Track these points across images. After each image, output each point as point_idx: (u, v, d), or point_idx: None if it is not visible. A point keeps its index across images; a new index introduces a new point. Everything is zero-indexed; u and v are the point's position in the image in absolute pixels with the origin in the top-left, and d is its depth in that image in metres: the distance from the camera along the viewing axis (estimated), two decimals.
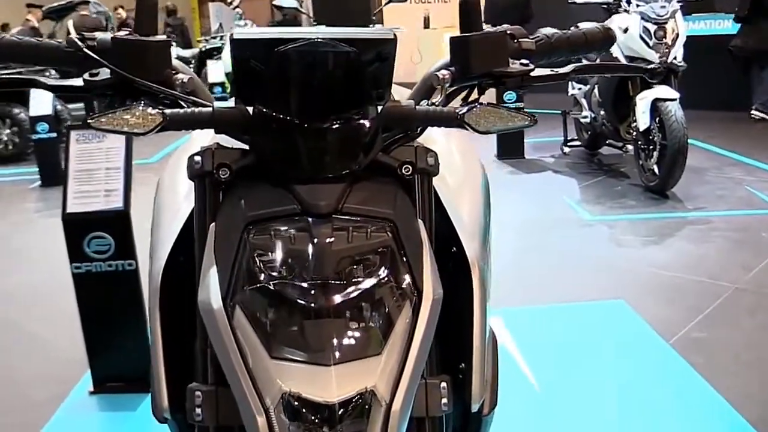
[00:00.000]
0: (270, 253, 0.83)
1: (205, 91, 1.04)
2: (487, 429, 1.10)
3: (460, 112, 0.93)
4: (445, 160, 0.97)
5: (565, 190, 5.35)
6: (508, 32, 1.06)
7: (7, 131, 7.17)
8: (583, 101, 5.90)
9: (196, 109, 0.94)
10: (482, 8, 1.07)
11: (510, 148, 6.31)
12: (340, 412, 0.77)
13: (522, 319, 3.13)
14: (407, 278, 0.85)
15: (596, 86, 5.55)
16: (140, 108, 0.90)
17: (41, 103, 5.87)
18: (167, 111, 0.91)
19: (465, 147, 1.33)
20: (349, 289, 0.82)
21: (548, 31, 1.13)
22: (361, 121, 0.90)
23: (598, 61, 1.27)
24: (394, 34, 0.91)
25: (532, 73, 1.02)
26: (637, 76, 1.57)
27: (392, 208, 0.89)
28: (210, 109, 0.93)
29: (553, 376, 2.65)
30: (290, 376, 0.78)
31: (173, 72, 0.99)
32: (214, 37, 10.72)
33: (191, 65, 11.52)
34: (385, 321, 0.82)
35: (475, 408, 0.99)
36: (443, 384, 0.92)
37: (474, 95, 1.04)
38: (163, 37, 1.01)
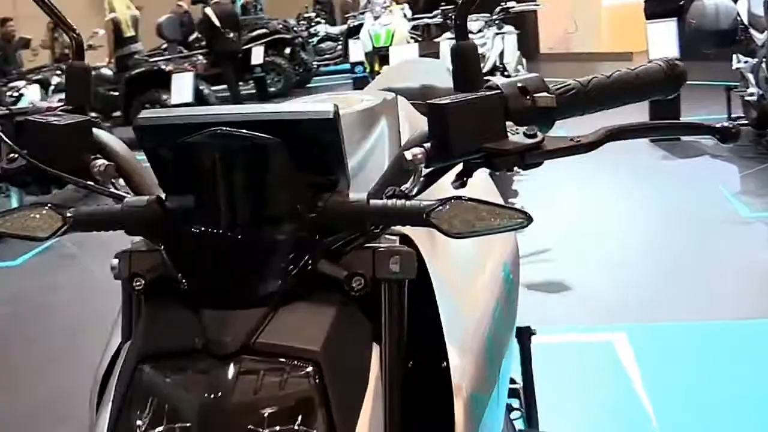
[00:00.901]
0: (155, 403, 0.65)
1: (134, 176, 0.85)
2: None
3: (428, 209, 0.69)
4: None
5: (723, 178, 4.76)
6: (519, 85, 0.79)
7: None
8: (750, 76, 5.23)
9: (105, 207, 0.76)
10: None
11: None
12: None
13: (653, 337, 2.77)
14: None
15: (765, 59, 4.88)
16: (45, 207, 0.75)
17: (182, 89, 6.05)
18: (71, 211, 0.75)
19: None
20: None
21: (592, 76, 0.84)
22: (290, 227, 0.69)
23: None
24: (335, 111, 0.68)
25: (542, 146, 0.75)
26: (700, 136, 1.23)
27: (319, 342, 0.66)
28: (119, 206, 0.75)
29: (681, 415, 2.30)
30: None
31: (93, 158, 0.82)
32: (362, 13, 10.67)
33: (339, 42, 11.59)
34: None
35: None
36: None
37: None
38: (84, 117, 0.85)
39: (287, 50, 10.66)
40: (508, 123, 0.77)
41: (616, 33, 10.36)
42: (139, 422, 0.65)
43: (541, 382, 1.85)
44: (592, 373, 2.61)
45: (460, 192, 0.74)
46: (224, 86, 7.46)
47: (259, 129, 0.67)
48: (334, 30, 12.25)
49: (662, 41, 5.70)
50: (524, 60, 4.97)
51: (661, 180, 4.69)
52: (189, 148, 0.67)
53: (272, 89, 10.22)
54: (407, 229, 0.80)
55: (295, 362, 0.65)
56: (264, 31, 10.21)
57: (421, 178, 0.75)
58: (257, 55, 9.83)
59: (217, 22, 8.24)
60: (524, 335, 2.13)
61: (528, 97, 0.78)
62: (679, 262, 3.50)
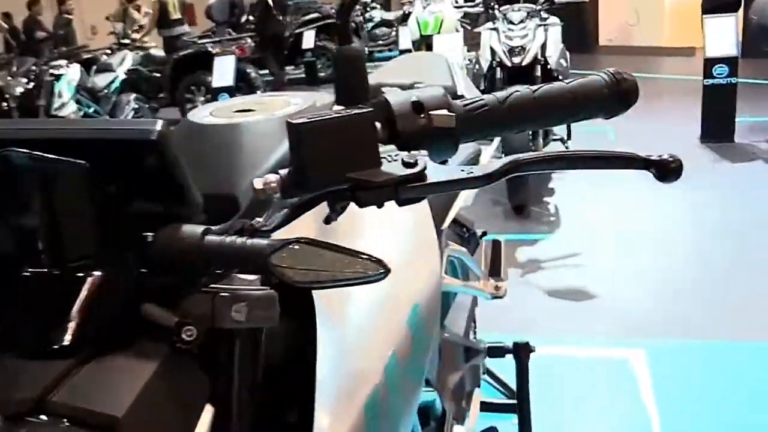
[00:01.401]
0: None
1: None
2: None
3: (269, 250, 0.58)
4: None
5: None
6: (413, 100, 0.67)
7: (201, 98, 7.53)
8: None
9: None
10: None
11: (717, 128, 5.43)
12: None
13: (673, 356, 2.60)
14: None
15: None
16: None
17: (224, 72, 6.02)
18: None
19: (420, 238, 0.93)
20: None
21: (513, 89, 0.71)
22: (106, 265, 0.59)
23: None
24: (162, 132, 0.58)
25: (423, 178, 0.63)
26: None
27: (123, 406, 0.56)
28: None
29: None
30: None
31: None
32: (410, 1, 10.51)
33: (394, 28, 11.42)
34: None
35: None
36: None
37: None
38: None
39: None
40: (387, 148, 0.65)
41: (680, 27, 9.92)
42: None
43: (543, 398, 1.73)
44: (600, 392, 2.46)
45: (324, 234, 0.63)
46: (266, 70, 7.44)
47: (67, 149, 0.57)
48: (389, 15, 12.09)
49: (720, 37, 5.38)
50: (568, 53, 4.74)
51: (709, 187, 4.43)
52: None
53: (322, 74, 10.14)
54: None
55: (90, 429, 0.56)
56: (316, 15, 10.12)
57: (280, 212, 0.64)
58: (308, 39, 9.76)
59: (270, 3, 8.20)
60: (522, 351, 2.00)
61: (423, 115, 0.66)
62: (725, 275, 3.29)
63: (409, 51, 7.96)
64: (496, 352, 1.98)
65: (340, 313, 0.74)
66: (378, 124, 0.65)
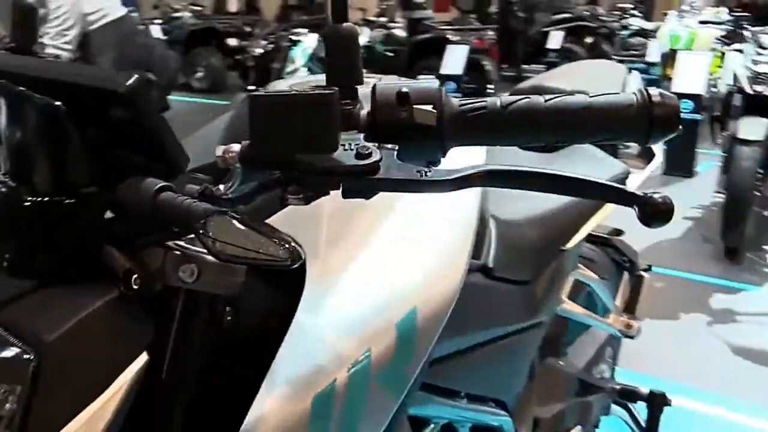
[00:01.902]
0: None
1: None
2: None
3: (202, 216, 0.56)
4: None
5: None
6: (402, 90, 0.60)
7: None
8: None
9: None
10: None
11: (679, 161, 5.12)
12: None
13: None
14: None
15: None
16: None
17: (454, 61, 6.05)
18: None
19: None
20: None
21: (524, 96, 0.61)
22: (72, 203, 0.60)
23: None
24: (133, 86, 0.58)
25: (374, 172, 0.56)
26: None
27: (54, 332, 0.57)
28: None
29: None
30: None
31: None
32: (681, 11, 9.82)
33: (650, 39, 10.77)
34: None
35: None
36: None
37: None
38: None
39: (588, 39, 10.17)
40: (353, 135, 0.59)
41: None
42: None
43: None
44: None
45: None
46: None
47: (52, 89, 0.59)
48: (649, 25, 11.41)
49: (690, 74, 5.17)
50: None
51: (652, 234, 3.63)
52: None
53: None
54: (300, 237, 0.68)
55: (17, 344, 0.58)
56: (567, 15, 9.83)
57: (243, 184, 0.61)
58: (555, 39, 9.51)
59: None
60: (657, 401, 1.81)
61: (405, 107, 0.59)
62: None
63: (655, 64, 7.48)
64: (628, 396, 1.81)
65: (328, 297, 0.70)
66: (360, 111, 0.60)
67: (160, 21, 8.87)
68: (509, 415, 1.22)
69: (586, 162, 1.49)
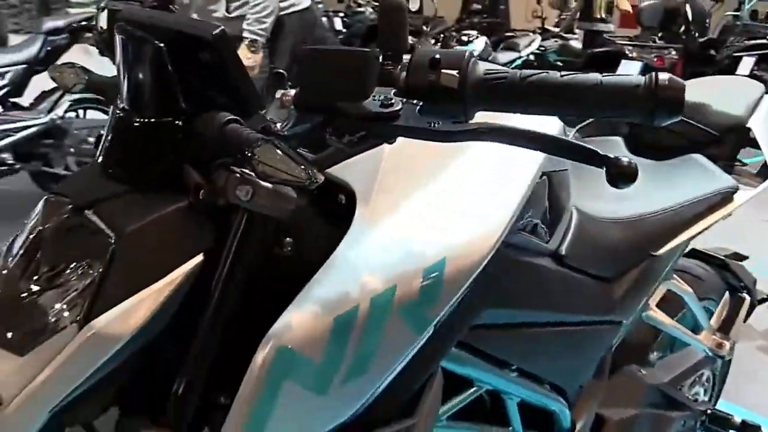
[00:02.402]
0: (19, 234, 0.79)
1: None
2: None
3: (252, 142, 0.68)
4: None
5: None
6: (434, 56, 0.68)
7: None
8: None
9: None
10: None
11: None
12: None
13: None
14: (84, 300, 0.70)
15: None
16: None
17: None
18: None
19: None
20: (31, 282, 0.73)
21: (543, 71, 0.68)
22: (159, 125, 0.74)
23: None
24: (219, 34, 0.70)
25: (395, 119, 0.65)
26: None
27: (121, 225, 0.71)
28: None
29: None
30: None
31: None
32: None
33: None
34: (42, 328, 0.71)
35: None
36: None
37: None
38: None
39: None
40: (385, 90, 0.68)
41: None
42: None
43: None
44: None
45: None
46: None
47: (161, 34, 0.73)
48: None
49: None
50: None
51: None
52: (113, 31, 0.77)
53: None
54: (356, 184, 0.80)
55: (104, 230, 0.72)
56: (763, 41, 9.19)
57: (296, 125, 0.72)
58: (745, 65, 8.93)
59: (690, 17, 7.73)
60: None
61: (434, 70, 0.68)
62: None
63: None
64: (719, 422, 1.75)
65: (368, 236, 0.80)
66: (400, 72, 0.70)
67: (342, 14, 9.28)
68: (567, 405, 1.25)
69: (696, 173, 1.48)
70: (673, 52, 7.61)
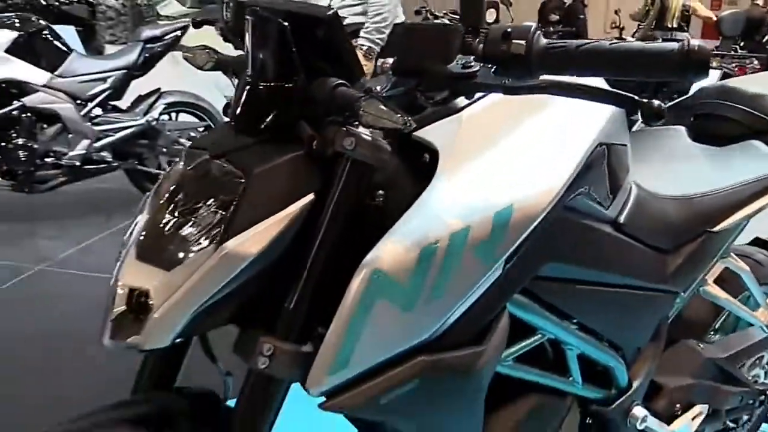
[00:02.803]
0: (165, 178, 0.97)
1: None
2: None
3: (360, 98, 0.84)
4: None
5: None
6: (506, 30, 0.82)
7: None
8: None
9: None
10: None
11: None
12: (127, 300, 0.89)
13: None
14: (219, 227, 0.87)
15: None
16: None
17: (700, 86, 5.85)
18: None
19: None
20: (176, 214, 0.91)
21: (581, 41, 0.83)
22: (280, 90, 0.91)
23: None
24: (333, 15, 0.87)
25: (473, 79, 0.80)
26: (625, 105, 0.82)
27: (249, 167, 0.89)
28: None
29: None
30: (127, 263, 0.93)
31: None
32: None
33: None
34: (185, 249, 0.88)
35: (314, 392, 0.91)
36: (264, 340, 0.91)
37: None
38: None
39: None
40: (469, 58, 0.84)
41: None
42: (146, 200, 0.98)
43: None
44: None
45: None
46: None
47: (284, 15, 0.91)
48: None
49: None
50: None
51: None
52: (241, 14, 0.95)
53: None
54: (439, 144, 0.96)
55: (234, 174, 0.90)
56: None
57: (394, 88, 0.89)
58: None
59: None
60: None
61: (506, 41, 0.83)
62: None
63: None
64: None
65: (449, 183, 0.95)
66: (469, 39, 0.85)
67: None
68: (624, 365, 1.37)
69: (753, 157, 1.59)
70: (755, 62, 7.47)
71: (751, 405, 1.80)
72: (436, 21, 9.44)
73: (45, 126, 4.10)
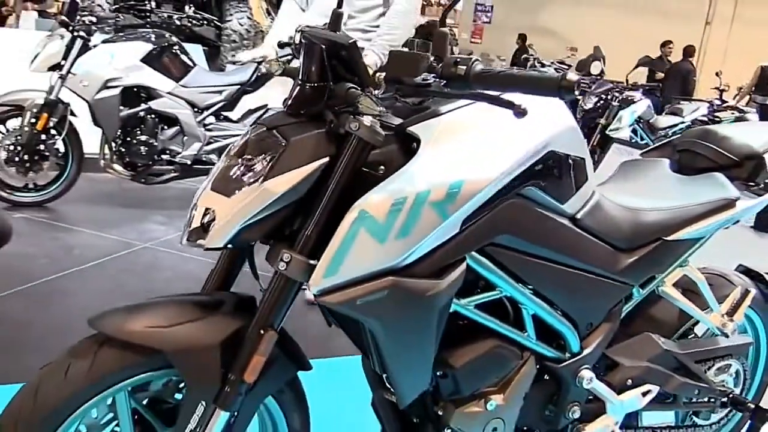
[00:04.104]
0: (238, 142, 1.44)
1: None
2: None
3: (357, 97, 1.29)
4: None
5: None
6: (457, 59, 1.25)
7: None
8: None
9: None
10: None
11: None
12: (201, 217, 1.36)
13: None
14: (263, 173, 1.32)
15: None
16: None
17: None
18: None
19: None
20: (239, 162, 1.37)
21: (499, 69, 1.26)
22: (319, 93, 1.37)
23: None
24: (353, 43, 1.32)
25: (430, 88, 1.24)
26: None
27: (293, 136, 1.34)
28: None
29: None
30: (204, 192, 1.40)
31: None
32: None
33: None
34: (241, 183, 1.34)
35: (314, 290, 1.33)
36: (285, 252, 1.34)
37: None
38: None
39: None
40: (429, 75, 1.27)
41: None
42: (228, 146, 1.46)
43: None
44: None
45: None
46: None
47: (320, 40, 1.36)
48: None
49: None
50: None
51: None
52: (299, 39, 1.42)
53: None
54: (423, 137, 1.39)
55: (279, 139, 1.36)
56: None
57: (386, 92, 1.34)
58: None
59: None
60: (759, 416, 2.09)
61: (455, 66, 1.26)
62: None
63: None
64: (734, 403, 2.09)
65: (422, 159, 1.37)
66: (440, 66, 1.28)
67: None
68: (577, 333, 1.72)
69: (711, 185, 1.93)
70: None
71: (712, 403, 2.09)
72: (542, 68, 9.89)
73: (165, 127, 4.69)
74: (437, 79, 1.30)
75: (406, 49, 1.40)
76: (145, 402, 1.48)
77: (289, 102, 1.42)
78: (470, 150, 1.42)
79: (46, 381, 1.31)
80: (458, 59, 1.27)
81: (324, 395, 1.94)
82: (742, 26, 15.16)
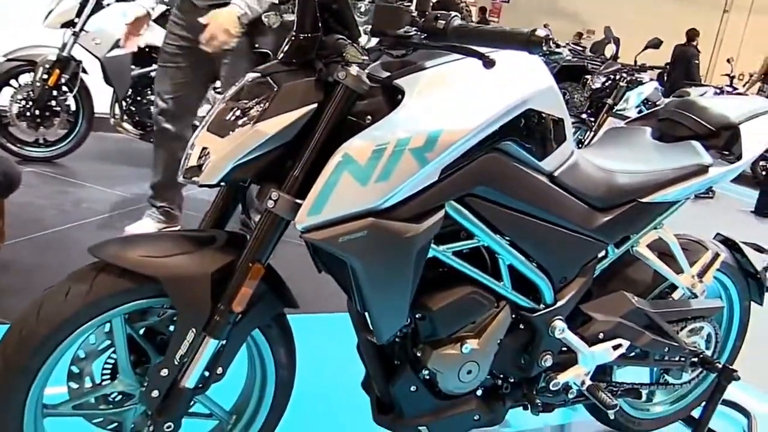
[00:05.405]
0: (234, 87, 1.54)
1: None
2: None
3: (343, 48, 1.39)
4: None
5: None
6: (438, 14, 1.35)
7: None
8: None
9: None
10: None
11: None
12: (197, 156, 1.46)
13: None
14: (256, 115, 1.41)
15: None
16: None
17: None
18: None
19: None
20: (235, 106, 1.47)
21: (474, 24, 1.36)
22: (313, 43, 1.46)
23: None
24: None
25: (410, 39, 1.34)
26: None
27: (285, 81, 1.43)
28: None
29: None
30: (200, 133, 1.50)
31: None
32: None
33: None
34: (234, 125, 1.44)
35: (299, 227, 1.42)
36: (274, 190, 1.44)
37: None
38: None
39: None
40: (412, 28, 1.37)
41: None
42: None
43: None
44: None
45: None
46: None
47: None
48: None
49: None
50: None
51: None
52: None
53: None
54: (407, 89, 1.48)
55: (272, 85, 1.45)
56: None
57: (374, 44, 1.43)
58: None
59: None
60: (725, 375, 2.19)
61: (435, 21, 1.36)
62: None
63: None
64: (703, 363, 2.19)
65: (406, 110, 1.46)
66: (416, 18, 1.37)
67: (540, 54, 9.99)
68: (551, 286, 1.82)
69: (687, 152, 2.01)
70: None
71: (682, 362, 2.19)
72: (556, 48, 9.97)
73: None
74: (418, 33, 1.39)
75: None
76: (141, 332, 1.59)
77: (283, 50, 1.51)
78: (451, 102, 1.51)
79: (48, 300, 1.42)
80: (439, 14, 1.36)
81: (315, 346, 2.04)
82: (760, 16, 15.10)
